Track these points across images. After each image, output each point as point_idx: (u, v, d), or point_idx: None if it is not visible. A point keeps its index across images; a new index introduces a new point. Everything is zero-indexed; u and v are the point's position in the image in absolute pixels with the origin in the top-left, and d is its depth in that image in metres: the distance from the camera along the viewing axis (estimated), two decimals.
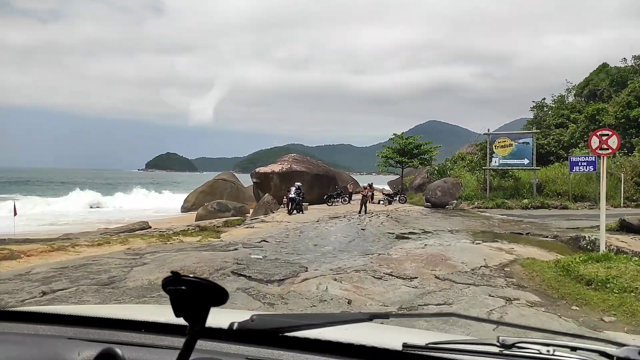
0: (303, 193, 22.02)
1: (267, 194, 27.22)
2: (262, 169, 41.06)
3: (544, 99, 43.81)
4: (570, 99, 44.29)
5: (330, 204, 26.34)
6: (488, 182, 26.05)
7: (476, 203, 25.44)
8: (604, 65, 42.20)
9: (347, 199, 27.95)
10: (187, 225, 15.73)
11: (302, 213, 21.05)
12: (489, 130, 26.51)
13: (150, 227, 18.50)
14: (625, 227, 14.03)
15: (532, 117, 45.32)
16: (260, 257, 8.23)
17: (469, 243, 12.43)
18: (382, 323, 1.68)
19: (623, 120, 30.39)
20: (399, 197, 28.79)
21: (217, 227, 17.03)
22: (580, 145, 32.04)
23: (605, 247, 11.08)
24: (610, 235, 11.83)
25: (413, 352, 1.05)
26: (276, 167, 39.33)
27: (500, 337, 1.01)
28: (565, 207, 23.30)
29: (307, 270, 7.10)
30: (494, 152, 26.15)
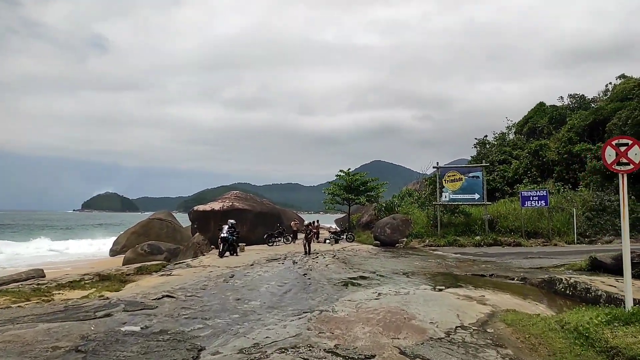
0: (238, 232, 19.23)
1: (197, 234, 24.13)
2: (200, 207, 37.89)
3: (486, 136, 44.21)
4: (511, 136, 45.04)
5: (271, 244, 23.61)
6: (439, 219, 24.55)
7: (427, 241, 23.78)
8: (541, 104, 43.45)
9: (290, 238, 25.36)
10: (83, 275, 12.46)
11: (237, 255, 18.19)
12: (437, 163, 25.27)
13: (44, 276, 14.93)
14: (597, 267, 12.50)
15: (475, 154, 45.50)
16: (137, 329, 5.50)
17: (431, 290, 10.27)
18: None
19: (566, 155, 30.43)
20: (347, 235, 26.63)
21: (126, 275, 13.88)
22: (524, 181, 31.79)
23: (591, 293, 9.29)
24: (593, 278, 10.08)
25: None
26: (216, 205, 36.46)
27: None
28: (519, 244, 22.06)
29: (197, 357, 4.49)
30: (443, 187, 24.84)
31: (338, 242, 24.99)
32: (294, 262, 15.34)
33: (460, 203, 24.82)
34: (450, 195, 24.69)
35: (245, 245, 23.30)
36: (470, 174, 24.69)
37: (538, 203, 22.57)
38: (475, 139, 44.30)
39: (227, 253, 18.15)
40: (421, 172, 42.04)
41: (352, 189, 33.98)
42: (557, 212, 23.18)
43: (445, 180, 24.91)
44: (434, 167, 25.45)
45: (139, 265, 15.70)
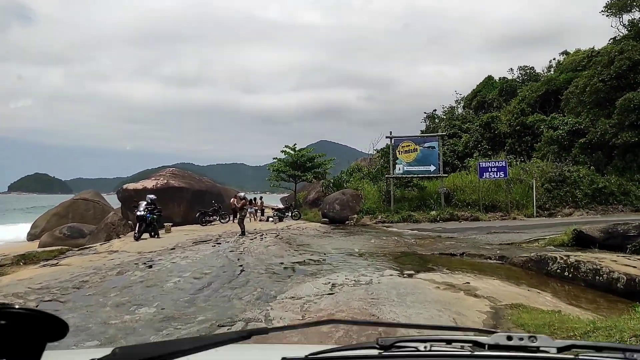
0: (159, 209, 16.05)
1: (112, 213, 20.58)
2: (130, 186, 33.92)
3: (435, 110, 42.86)
4: (460, 110, 44.06)
5: (204, 223, 20.51)
6: (392, 193, 22.51)
7: (380, 217, 21.70)
8: (490, 78, 42.67)
9: (229, 217, 22.34)
10: None
11: (158, 237, 15.03)
12: (391, 132, 23.06)
13: None
14: (583, 241, 10.72)
15: (423, 129, 44.26)
16: None
17: (399, 276, 7.93)
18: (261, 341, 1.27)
19: (518, 127, 29.41)
20: (292, 213, 24.04)
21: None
22: (475, 155, 30.61)
23: (602, 275, 7.26)
24: (600, 256, 8.08)
25: None
26: (149, 183, 32.60)
27: (379, 339, 0.98)
28: (477, 219, 20.48)
29: None
30: (397, 159, 22.74)
31: (282, 220, 22.37)
32: (225, 244, 12.55)
33: (415, 175, 22.87)
34: (405, 167, 22.66)
35: (181, 226, 20.21)
36: (426, 144, 22.74)
37: (497, 174, 21.06)
38: (424, 112, 42.87)
39: (147, 235, 14.98)
40: (367, 153, 40.16)
41: (298, 166, 31.60)
42: (515, 184, 21.83)
43: (399, 151, 22.81)
44: (387, 137, 23.24)
45: (22, 253, 12.25)
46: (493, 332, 0.98)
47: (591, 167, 20.88)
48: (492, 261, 10.15)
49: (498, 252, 10.83)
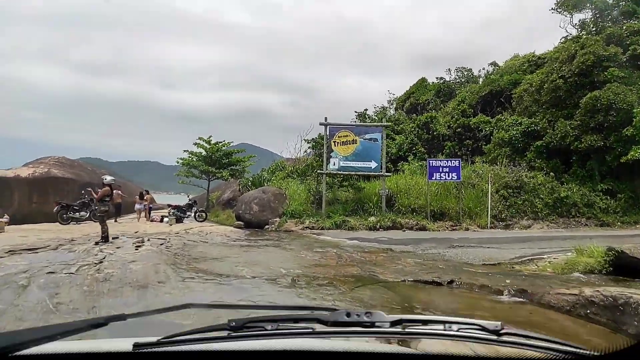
0: None
1: None
2: None
3: (366, 109, 39.79)
4: (392, 111, 41.44)
5: (65, 221, 14.70)
6: (324, 194, 18.31)
7: (307, 222, 17.38)
8: (423, 80, 40.63)
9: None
10: None
11: None
12: (326, 119, 18.88)
13: None
14: (624, 267, 7.12)
15: None
16: None
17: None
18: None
19: (459, 129, 26.79)
20: (196, 213, 18.83)
21: None
22: (410, 158, 27.64)
23: None
24: None
25: (144, 350, 0.98)
26: (24, 171, 26.06)
27: (230, 320, 0.99)
28: (423, 228, 16.95)
29: None
30: (332, 151, 18.59)
31: (182, 221, 17.18)
32: (67, 256, 7.34)
33: (353, 172, 18.87)
34: (341, 162, 18.55)
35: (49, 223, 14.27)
36: (367, 136, 18.83)
37: (449, 176, 17.72)
38: (355, 111, 39.70)
39: None
40: (292, 158, 36.35)
41: (213, 161, 27.54)
42: (467, 189, 18.66)
43: (334, 142, 18.67)
44: (320, 124, 18.97)
45: None
46: (336, 310, 1.02)
47: (550, 174, 18.29)
48: (507, 298, 6.12)
49: (508, 281, 6.85)
